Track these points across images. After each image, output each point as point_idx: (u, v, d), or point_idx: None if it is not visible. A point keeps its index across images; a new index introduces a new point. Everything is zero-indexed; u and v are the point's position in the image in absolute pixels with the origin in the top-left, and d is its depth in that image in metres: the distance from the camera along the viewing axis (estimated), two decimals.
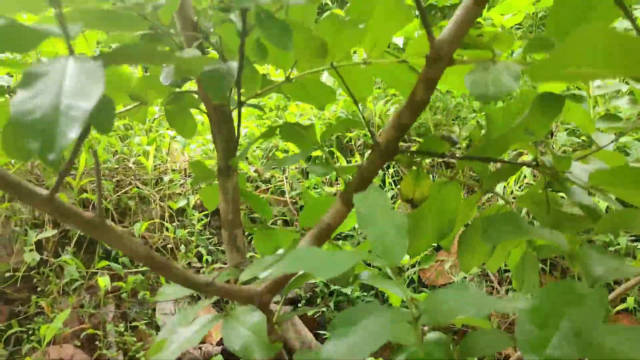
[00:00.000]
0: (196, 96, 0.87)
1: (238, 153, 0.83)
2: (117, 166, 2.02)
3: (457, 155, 0.66)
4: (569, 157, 0.58)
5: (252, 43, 0.57)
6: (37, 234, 1.76)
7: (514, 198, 1.98)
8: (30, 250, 1.74)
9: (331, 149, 2.30)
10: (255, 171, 2.12)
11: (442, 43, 0.55)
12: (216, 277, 0.64)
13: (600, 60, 0.30)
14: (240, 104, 0.71)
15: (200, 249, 2.00)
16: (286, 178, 2.17)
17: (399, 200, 2.11)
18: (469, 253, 0.78)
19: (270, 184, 2.23)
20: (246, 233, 0.96)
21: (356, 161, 2.26)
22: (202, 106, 0.86)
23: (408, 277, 1.98)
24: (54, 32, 0.34)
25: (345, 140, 2.39)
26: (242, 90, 0.68)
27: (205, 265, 1.99)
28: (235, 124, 0.78)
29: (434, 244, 1.27)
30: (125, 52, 0.35)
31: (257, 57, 0.56)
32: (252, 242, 1.84)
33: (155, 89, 0.83)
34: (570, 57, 0.30)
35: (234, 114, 0.80)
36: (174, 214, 2.08)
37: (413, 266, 2.00)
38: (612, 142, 0.68)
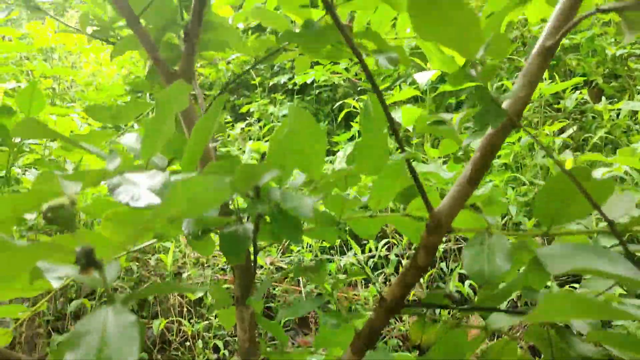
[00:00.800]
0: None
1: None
2: (137, 264, 2.08)
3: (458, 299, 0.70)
4: None
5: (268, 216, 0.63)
6: (60, 336, 1.80)
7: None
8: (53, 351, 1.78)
9: (346, 236, 2.34)
10: (271, 263, 2.16)
11: (440, 214, 0.60)
12: None
13: (568, 314, 0.35)
14: (257, 252, 0.76)
15: (217, 341, 2.02)
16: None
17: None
18: None
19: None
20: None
21: (370, 248, 2.30)
22: None
23: None
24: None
25: None
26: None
27: (222, 357, 2.00)
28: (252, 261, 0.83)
29: None
30: (157, 287, 0.40)
31: (271, 239, 0.61)
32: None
33: (176, 229, 0.90)
34: (549, 311, 0.35)
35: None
36: (192, 305, 2.12)
37: None
38: (610, 287, 0.71)
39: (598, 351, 0.66)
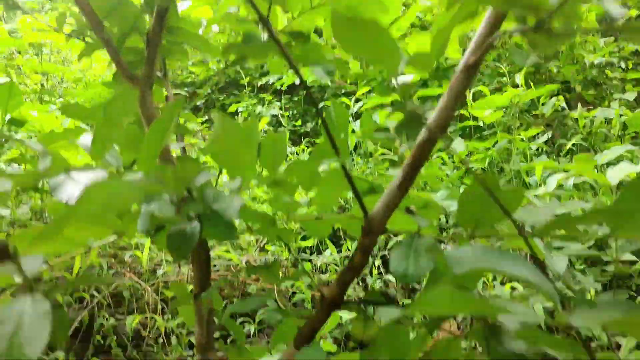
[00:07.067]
0: None
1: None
2: (114, 261, 2.11)
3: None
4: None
5: None
6: None
7: None
8: None
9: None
10: (247, 262, 2.19)
11: (374, 218, 0.63)
12: None
13: (446, 307, 0.38)
14: (207, 250, 0.79)
15: (191, 337, 2.04)
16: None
17: None
18: None
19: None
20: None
21: (347, 248, 2.33)
22: None
23: None
24: None
25: (335, 228, 2.47)
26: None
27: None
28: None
29: None
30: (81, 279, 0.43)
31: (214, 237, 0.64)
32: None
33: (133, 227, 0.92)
34: (428, 304, 0.38)
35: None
36: (168, 301, 2.14)
37: None
38: None
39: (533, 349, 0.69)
